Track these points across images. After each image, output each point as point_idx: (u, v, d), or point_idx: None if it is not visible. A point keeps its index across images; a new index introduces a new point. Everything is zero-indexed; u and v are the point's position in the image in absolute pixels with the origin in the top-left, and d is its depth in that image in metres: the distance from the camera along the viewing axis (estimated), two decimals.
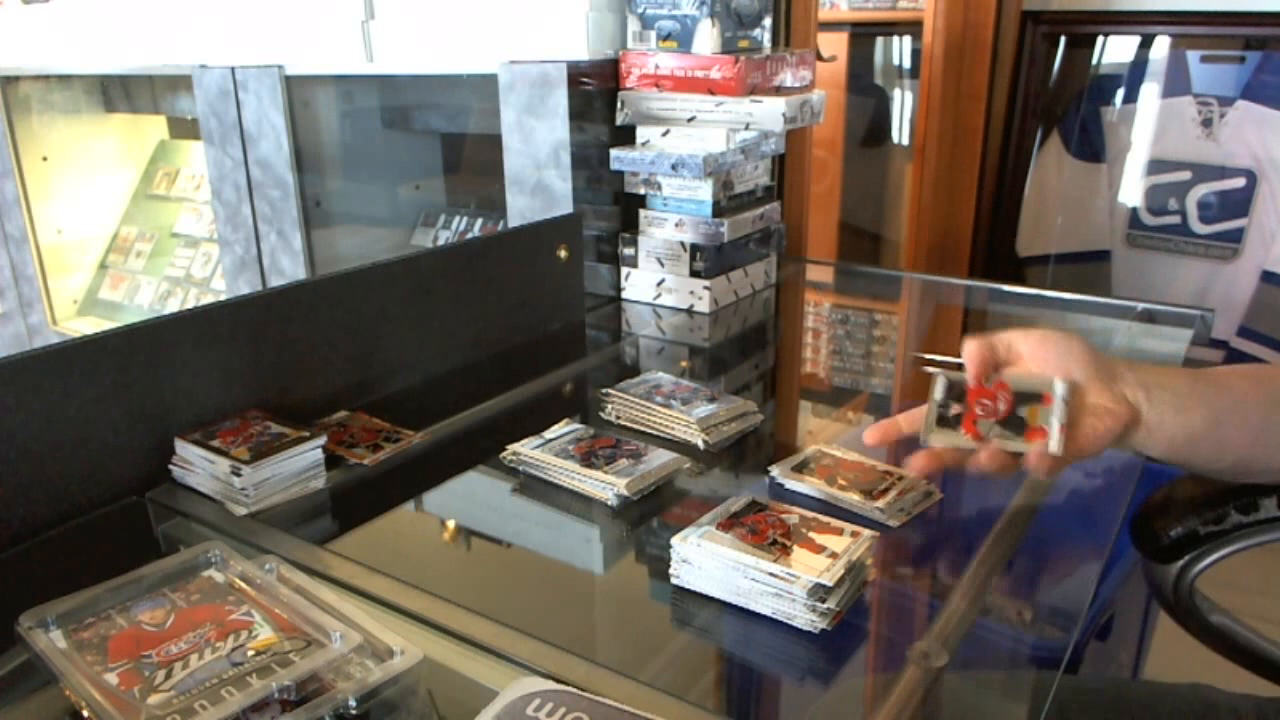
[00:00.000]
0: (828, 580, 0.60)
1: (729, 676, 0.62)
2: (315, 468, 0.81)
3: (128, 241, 2.43)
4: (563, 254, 1.21)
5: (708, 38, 1.23)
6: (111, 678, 0.53)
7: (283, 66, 1.63)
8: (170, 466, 0.81)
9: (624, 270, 1.37)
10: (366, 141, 1.81)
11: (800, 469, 0.80)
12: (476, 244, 1.27)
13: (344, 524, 0.79)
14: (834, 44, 2.34)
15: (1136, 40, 1.96)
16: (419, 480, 0.87)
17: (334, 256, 1.79)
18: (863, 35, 2.41)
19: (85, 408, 0.75)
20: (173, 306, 2.29)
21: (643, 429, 0.91)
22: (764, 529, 0.65)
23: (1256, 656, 0.77)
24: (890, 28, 2.38)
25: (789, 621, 0.61)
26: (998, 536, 0.71)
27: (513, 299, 1.16)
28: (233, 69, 1.69)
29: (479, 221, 1.81)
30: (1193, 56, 1.88)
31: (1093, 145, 2.02)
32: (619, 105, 1.30)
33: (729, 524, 0.66)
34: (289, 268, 1.78)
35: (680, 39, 1.25)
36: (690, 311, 1.31)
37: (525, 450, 0.83)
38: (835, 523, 0.66)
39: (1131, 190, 1.99)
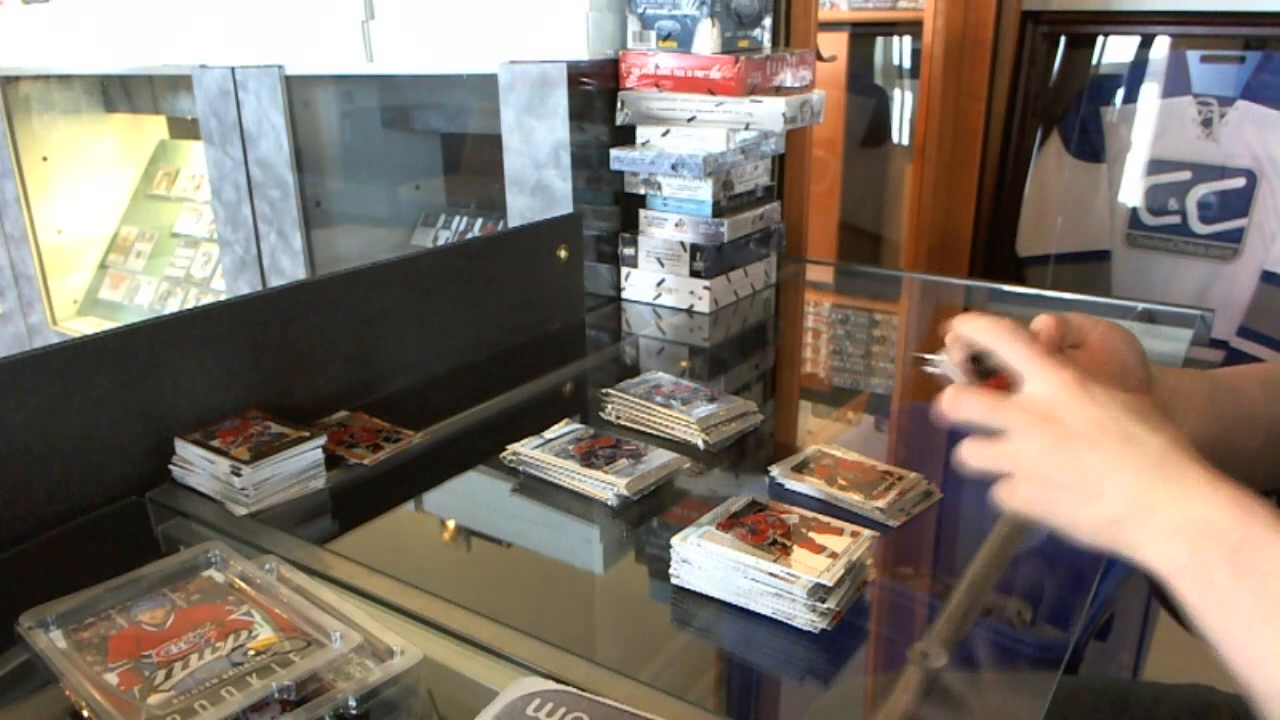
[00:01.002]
0: (828, 580, 0.60)
1: (729, 676, 0.62)
2: (315, 468, 0.81)
3: (128, 241, 2.43)
4: (563, 254, 1.21)
5: (708, 38, 1.23)
6: (111, 678, 0.53)
7: (283, 66, 1.63)
8: (170, 466, 0.81)
9: (624, 270, 1.37)
10: (366, 141, 1.81)
11: (800, 469, 0.80)
12: (476, 244, 1.27)
13: (344, 524, 0.79)
14: (834, 44, 2.34)
15: (1136, 40, 1.96)
16: (419, 480, 0.87)
17: (334, 256, 1.79)
18: (863, 35, 2.40)
19: (85, 408, 0.75)
20: (173, 306, 2.29)
21: (643, 429, 0.91)
22: (764, 529, 0.65)
23: None
24: (890, 28, 2.38)
25: (789, 621, 0.61)
26: (998, 536, 0.71)
27: (513, 299, 1.16)
28: (233, 69, 1.69)
29: (479, 221, 1.81)
30: (1193, 56, 1.88)
31: (1093, 145, 2.02)
32: (619, 105, 1.30)
33: (729, 524, 0.66)
34: (289, 268, 1.78)
35: (680, 39, 1.25)
36: (690, 311, 1.31)
37: (525, 450, 0.83)
38: (835, 523, 0.66)
39: (1131, 190, 1.99)
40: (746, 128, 1.24)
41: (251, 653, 0.55)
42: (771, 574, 0.61)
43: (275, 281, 1.80)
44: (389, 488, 0.84)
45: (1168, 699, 0.81)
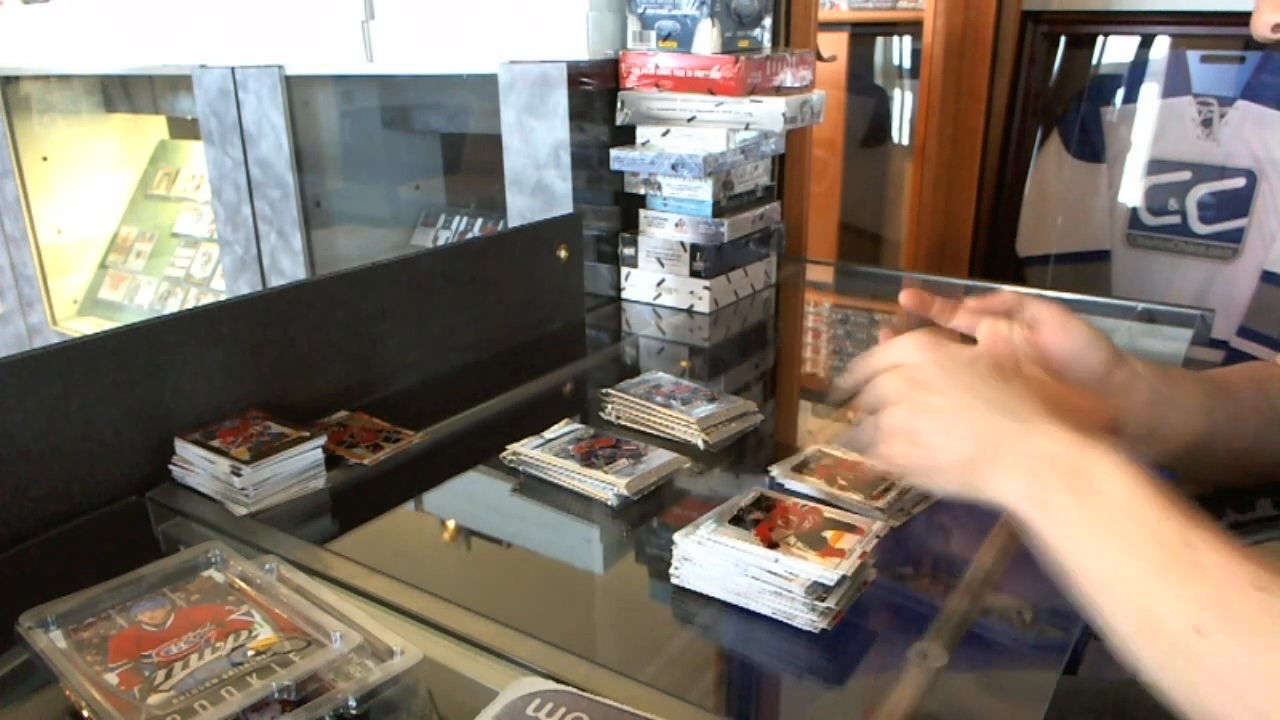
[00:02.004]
0: (828, 579, 0.60)
1: (729, 676, 0.62)
2: (315, 468, 0.81)
3: (128, 241, 2.43)
4: (563, 254, 1.21)
5: (708, 38, 1.23)
6: (111, 678, 0.53)
7: (283, 66, 1.63)
8: (170, 466, 0.81)
9: (624, 270, 1.37)
10: (366, 141, 1.81)
11: (800, 469, 0.80)
12: (476, 244, 1.27)
13: (344, 524, 0.79)
14: (834, 44, 2.34)
15: (1136, 40, 1.96)
16: (419, 480, 0.87)
17: (334, 256, 1.79)
18: (863, 35, 2.40)
19: (85, 408, 0.75)
20: (173, 306, 2.29)
21: (643, 429, 0.91)
22: (766, 527, 0.65)
23: None
24: (890, 28, 2.38)
25: (789, 621, 0.61)
26: (998, 536, 0.71)
27: (513, 299, 1.16)
28: (233, 69, 1.69)
29: (479, 221, 1.81)
30: (1193, 56, 1.88)
31: (1093, 145, 2.02)
32: (619, 105, 1.30)
33: (732, 521, 0.66)
34: (289, 268, 1.78)
35: (680, 39, 1.25)
36: (690, 311, 1.31)
37: (525, 450, 0.83)
38: (843, 518, 0.66)
39: (1131, 190, 1.99)
40: (746, 128, 1.24)
41: (251, 653, 0.55)
42: (772, 572, 0.61)
43: (275, 281, 1.80)
44: (389, 488, 0.84)
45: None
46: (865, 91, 2.47)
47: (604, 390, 0.95)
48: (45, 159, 2.30)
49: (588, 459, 0.81)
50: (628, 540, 0.75)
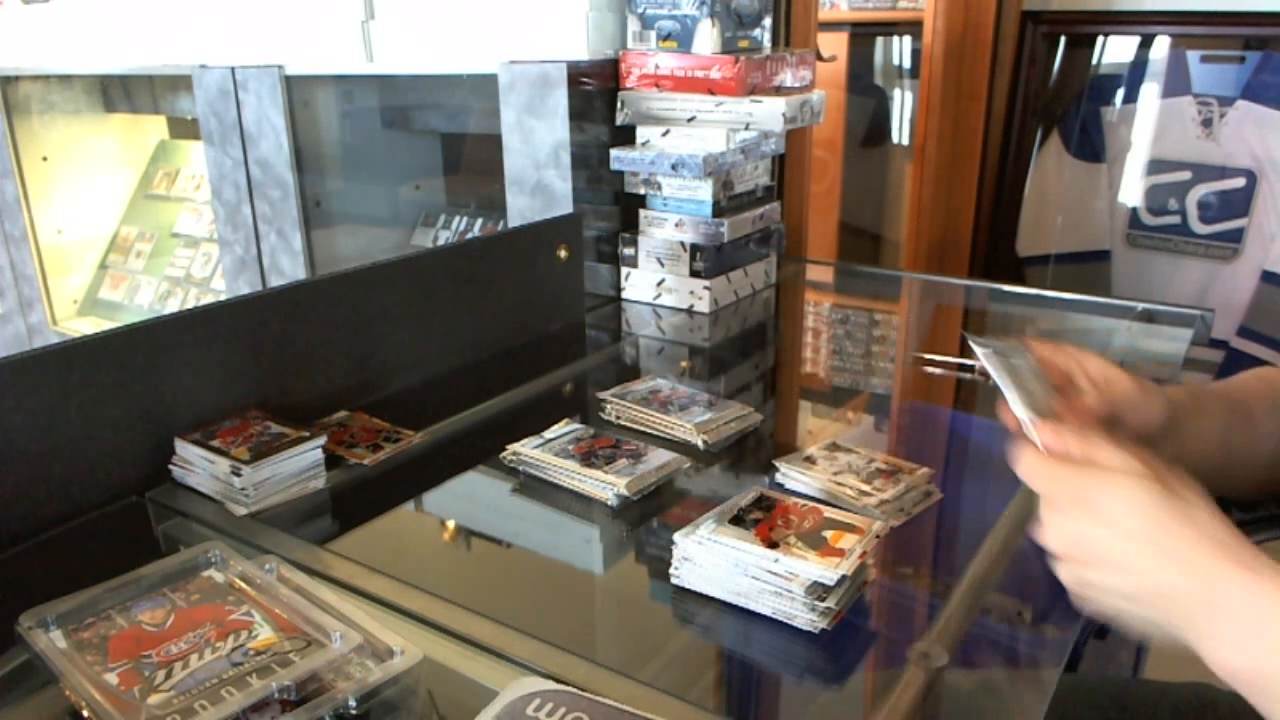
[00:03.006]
0: (828, 579, 0.60)
1: (729, 676, 0.62)
2: (315, 468, 0.81)
3: (128, 241, 2.43)
4: (563, 254, 1.21)
5: (708, 38, 1.23)
6: (111, 678, 0.53)
7: (283, 66, 1.63)
8: (170, 466, 0.81)
9: (624, 270, 1.37)
10: (366, 141, 1.81)
11: (800, 469, 0.80)
12: (476, 244, 1.27)
13: (344, 524, 0.79)
14: (834, 44, 2.34)
15: (1136, 40, 1.96)
16: (419, 480, 0.87)
17: (334, 256, 1.79)
18: (863, 35, 2.40)
19: (85, 408, 0.75)
20: (173, 306, 2.29)
21: (642, 429, 0.91)
22: (766, 527, 0.65)
23: None
24: (890, 28, 2.38)
25: (789, 621, 0.61)
26: (998, 536, 0.71)
27: (513, 299, 1.16)
28: (233, 69, 1.69)
29: (479, 221, 1.81)
30: (1193, 56, 1.88)
31: (1093, 145, 2.02)
32: (619, 105, 1.30)
33: (732, 521, 0.66)
34: (289, 268, 1.78)
35: (680, 39, 1.25)
36: (690, 311, 1.31)
37: (525, 450, 0.83)
38: (843, 518, 0.66)
39: (1131, 190, 1.99)
40: (746, 128, 1.24)
41: (251, 653, 0.55)
42: (772, 572, 0.61)
43: (275, 281, 1.80)
44: (389, 488, 0.84)
45: (1168, 698, 0.81)
46: (865, 91, 2.47)
47: (601, 395, 0.95)
48: (45, 159, 2.30)
49: (588, 459, 0.81)
50: (628, 540, 0.75)
